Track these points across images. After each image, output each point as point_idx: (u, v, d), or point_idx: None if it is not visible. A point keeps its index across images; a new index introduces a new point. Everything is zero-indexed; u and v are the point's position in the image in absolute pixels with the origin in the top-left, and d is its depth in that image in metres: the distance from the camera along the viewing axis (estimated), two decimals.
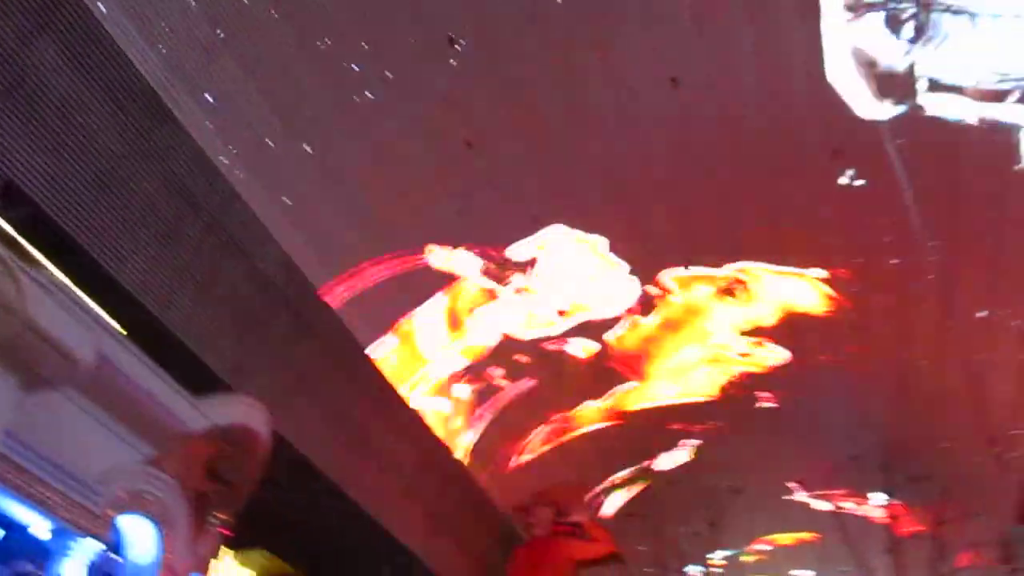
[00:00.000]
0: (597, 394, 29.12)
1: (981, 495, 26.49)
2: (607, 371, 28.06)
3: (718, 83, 18.86)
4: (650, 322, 26.97)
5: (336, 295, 19.22)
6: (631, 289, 25.43)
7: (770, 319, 27.22)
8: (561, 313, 25.23)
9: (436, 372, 23.82)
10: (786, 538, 42.20)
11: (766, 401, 30.65)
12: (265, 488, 14.58)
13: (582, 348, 26.45)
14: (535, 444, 28.53)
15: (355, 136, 18.20)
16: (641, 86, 18.96)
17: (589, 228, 23.14)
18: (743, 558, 44.95)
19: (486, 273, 22.90)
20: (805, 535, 39.95)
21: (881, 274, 23.25)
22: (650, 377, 29.53)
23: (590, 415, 29.78)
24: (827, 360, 28.18)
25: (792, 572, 48.04)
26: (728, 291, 25.95)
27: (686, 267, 25.00)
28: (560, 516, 8.65)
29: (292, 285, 16.99)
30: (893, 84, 17.51)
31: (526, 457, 28.38)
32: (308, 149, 17.62)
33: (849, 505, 26.42)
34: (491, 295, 23.52)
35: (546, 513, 8.63)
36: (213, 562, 15.04)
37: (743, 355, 29.15)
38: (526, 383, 26.18)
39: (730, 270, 25.42)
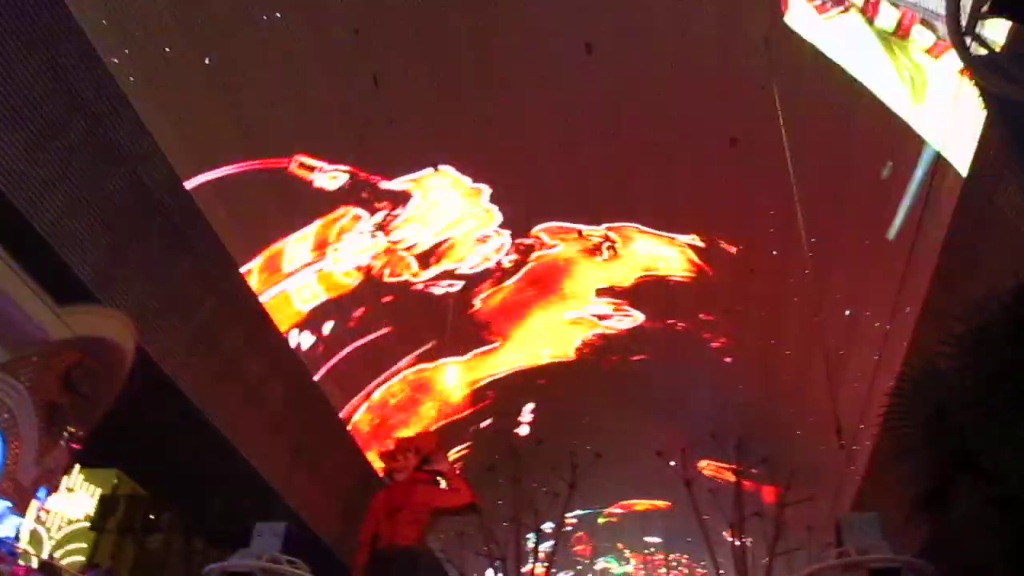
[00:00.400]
0: (459, 351, 29.32)
1: (823, 482, 28.04)
2: (470, 326, 28.22)
3: (629, 55, 19.05)
4: (513, 280, 27.25)
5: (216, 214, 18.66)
6: (501, 242, 25.62)
7: (628, 280, 27.91)
8: (427, 257, 25.10)
9: (302, 304, 23.27)
10: (641, 504, 43.82)
11: (621, 363, 31.50)
12: (124, 406, 14.14)
13: (445, 296, 26.31)
14: (396, 390, 28.52)
15: (259, 55, 17.62)
16: (555, 49, 19.03)
17: (476, 177, 23.19)
18: (599, 520, 46.48)
19: (356, 197, 22.41)
20: (659, 503, 41.63)
21: (761, 261, 24.08)
22: (510, 338, 29.94)
23: (449, 371, 30.05)
24: (684, 327, 29.16)
25: (644, 539, 50.23)
26: (596, 249, 26.36)
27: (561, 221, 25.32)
28: (423, 464, 8.75)
29: (174, 200, 16.36)
30: None
31: (383, 397, 28.31)
32: (207, 61, 16.99)
33: (702, 478, 27.54)
34: (356, 222, 23.01)
35: (410, 459, 8.70)
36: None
37: (599, 316, 29.83)
38: (385, 329, 26.03)
39: (603, 228, 25.88)
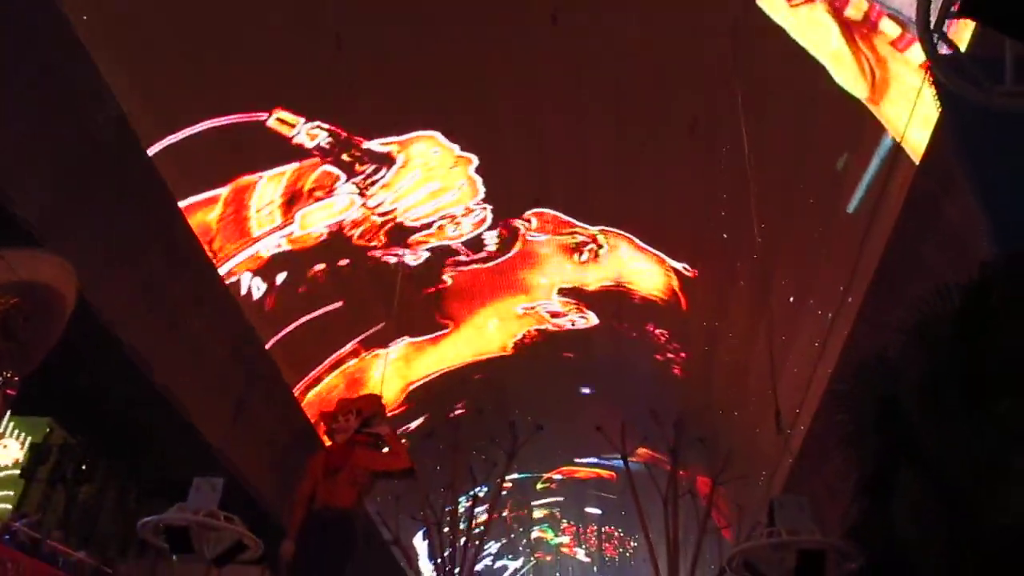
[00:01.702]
0: (416, 331, 29.09)
1: (757, 464, 28.62)
2: (428, 304, 27.97)
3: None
4: (491, 264, 26.90)
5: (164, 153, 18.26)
6: (482, 216, 25.00)
7: (594, 285, 28.02)
8: (401, 226, 24.54)
9: (260, 253, 22.62)
10: (583, 471, 44.15)
11: (568, 355, 31.81)
12: (61, 354, 13.85)
13: (413, 272, 25.88)
14: (345, 356, 28.26)
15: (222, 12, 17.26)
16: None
17: (466, 146, 22.56)
18: (537, 486, 46.69)
19: (337, 158, 21.85)
20: (603, 472, 42.11)
21: (710, 244, 24.36)
22: (460, 327, 29.84)
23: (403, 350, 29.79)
24: (636, 336, 29.77)
25: (584, 509, 50.66)
26: (578, 248, 26.34)
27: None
28: (363, 426, 8.76)
29: (123, 146, 15.93)
30: None
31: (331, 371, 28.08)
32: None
33: (639, 454, 27.95)
34: (333, 181, 22.38)
35: (350, 421, 8.71)
36: None
37: (552, 313, 29.97)
38: (337, 304, 25.62)
39: (597, 229, 25.86)
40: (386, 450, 8.84)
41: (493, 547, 49.56)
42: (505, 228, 25.72)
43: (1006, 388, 5.86)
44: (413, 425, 31.48)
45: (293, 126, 20.52)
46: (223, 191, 20.52)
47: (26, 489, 19.30)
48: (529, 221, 25.66)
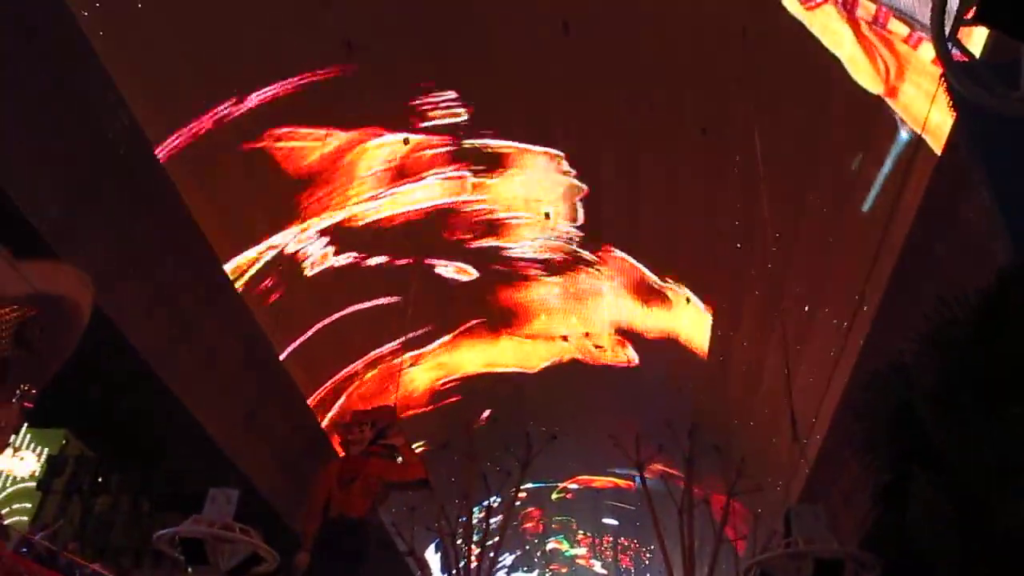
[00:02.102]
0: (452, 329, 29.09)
1: (773, 472, 28.43)
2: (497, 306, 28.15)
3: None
4: (551, 282, 27.11)
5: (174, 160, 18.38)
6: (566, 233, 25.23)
7: (653, 332, 28.22)
8: (486, 227, 24.74)
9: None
10: (599, 480, 43.88)
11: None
12: (77, 365, 13.89)
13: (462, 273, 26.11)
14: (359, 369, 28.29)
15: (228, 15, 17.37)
16: None
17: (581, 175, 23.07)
18: (553, 496, 46.35)
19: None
20: (619, 480, 41.84)
21: (724, 255, 24.26)
22: (504, 338, 29.86)
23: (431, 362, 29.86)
24: (665, 371, 29.83)
25: (601, 520, 50.16)
26: (651, 293, 26.43)
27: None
28: (378, 437, 8.75)
29: (137, 156, 16.04)
30: None
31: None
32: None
33: (654, 466, 27.81)
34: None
35: (365, 432, 8.71)
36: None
37: (597, 346, 30.10)
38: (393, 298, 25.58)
39: (671, 283, 26.18)
40: (400, 460, 8.83)
41: (507, 559, 49.16)
42: (580, 256, 26.17)
43: (1021, 393, 5.81)
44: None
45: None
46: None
47: (42, 501, 19.43)
48: (600, 256, 26.22)
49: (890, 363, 7.25)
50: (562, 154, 22.65)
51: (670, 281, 26.27)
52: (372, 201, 22.78)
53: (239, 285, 21.52)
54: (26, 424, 17.16)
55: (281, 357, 23.91)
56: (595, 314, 28.81)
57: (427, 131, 21.68)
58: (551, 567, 56.88)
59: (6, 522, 17.82)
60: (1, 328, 12.08)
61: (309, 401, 26.34)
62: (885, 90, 16.91)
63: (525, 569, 55.17)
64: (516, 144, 22.50)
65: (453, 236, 24.79)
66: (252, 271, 21.97)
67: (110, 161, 15.29)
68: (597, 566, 56.84)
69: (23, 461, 19.43)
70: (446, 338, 29.24)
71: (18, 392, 12.82)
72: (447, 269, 25.85)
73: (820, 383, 21.56)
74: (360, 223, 23.27)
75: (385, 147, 21.92)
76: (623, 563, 54.53)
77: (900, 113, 16.86)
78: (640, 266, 26.02)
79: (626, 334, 29.39)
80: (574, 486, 46.05)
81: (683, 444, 24.01)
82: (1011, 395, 5.88)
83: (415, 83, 20.50)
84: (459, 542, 25.65)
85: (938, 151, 14.82)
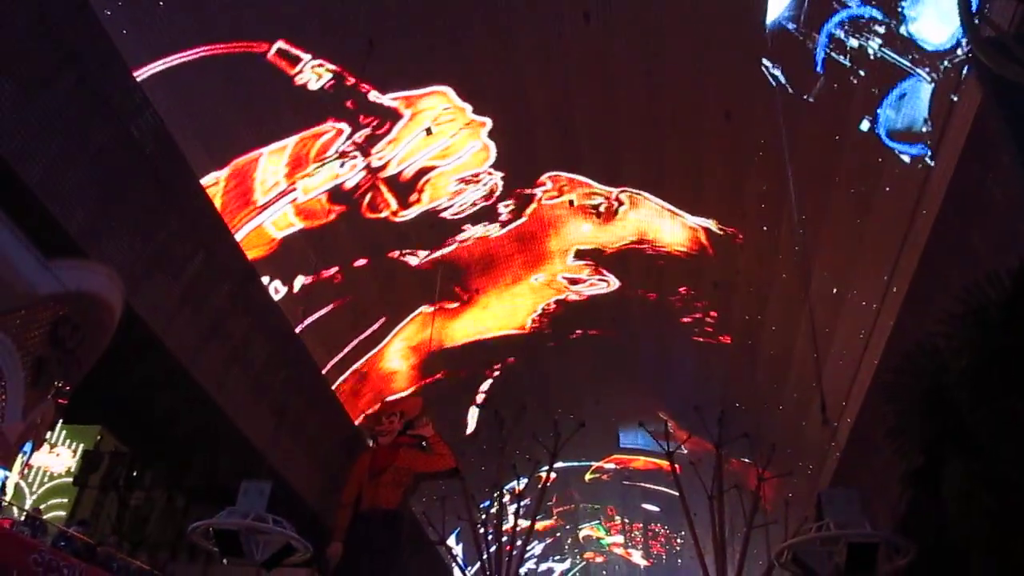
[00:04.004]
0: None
1: (803, 457, 28.27)
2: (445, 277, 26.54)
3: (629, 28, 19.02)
4: (503, 231, 25.74)
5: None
6: (493, 183, 23.70)
7: (615, 245, 26.86)
8: (407, 190, 23.22)
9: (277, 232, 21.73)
10: (639, 461, 42.65)
11: (594, 333, 30.89)
12: (110, 362, 14.08)
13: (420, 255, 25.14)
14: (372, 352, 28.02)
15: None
16: None
17: (479, 108, 21.45)
18: (586, 477, 44.86)
19: (339, 106, 20.29)
20: (661, 461, 41.00)
21: (751, 236, 24.07)
22: (476, 301, 28.57)
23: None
24: (653, 297, 28.81)
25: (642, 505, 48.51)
26: (597, 209, 25.44)
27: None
28: (407, 428, 8.78)
29: (163, 157, 16.17)
30: None
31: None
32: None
33: (684, 451, 27.70)
34: (337, 135, 20.81)
35: (394, 423, 8.74)
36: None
37: (571, 280, 28.51)
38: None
39: (616, 190, 24.88)
40: (430, 451, 8.85)
41: (537, 548, 48.03)
42: (518, 195, 24.69)
43: None
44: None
45: (297, 62, 19.07)
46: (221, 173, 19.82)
47: (78, 496, 19.71)
48: (544, 184, 24.45)
49: (921, 345, 7.17)
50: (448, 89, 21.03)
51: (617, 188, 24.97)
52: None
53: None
54: (61, 420, 17.37)
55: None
56: (555, 247, 27.27)
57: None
58: (585, 556, 55.58)
59: (44, 517, 18.13)
60: (35, 327, 12.29)
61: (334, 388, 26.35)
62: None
63: (556, 558, 53.50)
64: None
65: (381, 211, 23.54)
66: None
67: (137, 163, 15.43)
68: (635, 556, 55.04)
69: (59, 457, 19.71)
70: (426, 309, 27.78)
71: (54, 389, 13.04)
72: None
73: (850, 366, 21.37)
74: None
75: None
76: (654, 549, 53.51)
77: (927, 91, 16.64)
78: (587, 180, 24.69)
79: (591, 255, 27.59)
80: (610, 466, 44.23)
81: (712, 429, 23.84)
82: None
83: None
84: (482, 530, 25.59)
85: (966, 130, 14.60)
